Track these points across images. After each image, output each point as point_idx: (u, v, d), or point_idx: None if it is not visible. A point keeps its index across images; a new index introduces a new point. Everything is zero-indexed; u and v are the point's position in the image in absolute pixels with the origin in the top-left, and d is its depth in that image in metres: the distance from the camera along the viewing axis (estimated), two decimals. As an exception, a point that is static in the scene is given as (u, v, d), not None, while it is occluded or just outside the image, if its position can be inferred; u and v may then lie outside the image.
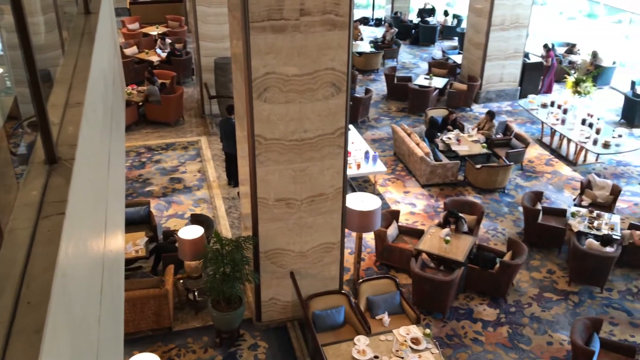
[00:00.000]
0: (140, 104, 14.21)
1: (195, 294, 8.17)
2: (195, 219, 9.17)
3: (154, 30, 19.65)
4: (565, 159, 13.11)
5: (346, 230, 7.82)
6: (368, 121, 15.01)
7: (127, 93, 14.01)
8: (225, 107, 11.62)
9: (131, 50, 17.39)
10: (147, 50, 17.53)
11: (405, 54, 20.44)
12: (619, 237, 9.15)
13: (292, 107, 6.71)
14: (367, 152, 11.19)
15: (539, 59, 16.80)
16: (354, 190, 11.03)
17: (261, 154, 6.87)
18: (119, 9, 21.78)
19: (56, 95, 3.10)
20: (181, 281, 8.33)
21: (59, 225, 2.07)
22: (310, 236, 7.51)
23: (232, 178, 11.32)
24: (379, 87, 17.26)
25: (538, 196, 10.42)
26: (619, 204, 10.96)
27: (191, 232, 7.80)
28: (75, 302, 2.13)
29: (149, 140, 13.57)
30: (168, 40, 17.85)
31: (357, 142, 11.90)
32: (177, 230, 8.18)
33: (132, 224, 9.22)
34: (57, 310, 1.80)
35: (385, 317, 7.56)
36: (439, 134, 12.84)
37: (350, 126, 12.10)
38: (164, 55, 17.11)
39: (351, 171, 10.63)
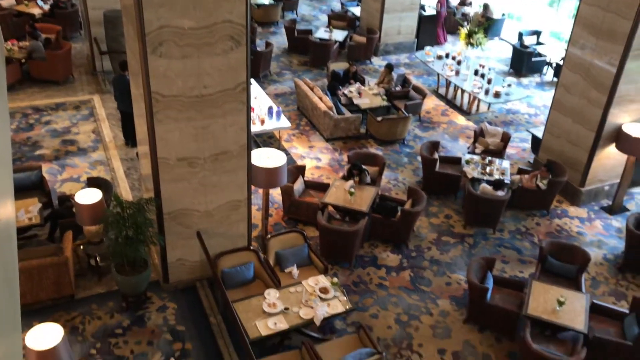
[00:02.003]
0: (23, 61, 13.14)
1: (97, 259, 7.88)
2: (93, 182, 8.74)
3: (33, -20, 18.06)
4: (459, 109, 13.70)
5: (252, 187, 7.78)
6: (270, 75, 14.83)
7: (7, 49, 12.90)
8: (118, 63, 11.02)
9: (8, 2, 15.95)
10: (27, 2, 16.14)
11: (305, 6, 20.23)
12: (509, 182, 9.79)
13: (190, 62, 6.47)
14: (270, 108, 11.10)
15: (434, 12, 17.23)
16: (258, 147, 10.95)
17: (159, 112, 6.61)
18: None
19: None
20: (81, 247, 7.99)
21: None
22: (216, 195, 7.41)
23: (130, 138, 10.85)
24: (280, 40, 17.03)
25: (435, 146, 10.87)
26: (509, 150, 11.68)
27: (89, 196, 7.45)
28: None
29: (35, 100, 12.64)
30: (50, -9, 16.50)
31: (259, 97, 11.75)
32: (73, 195, 7.77)
33: (23, 190, 8.63)
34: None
35: (294, 270, 7.69)
36: (340, 87, 12.95)
37: (252, 81, 11.90)
38: (46, 7, 15.85)
39: (255, 127, 10.53)
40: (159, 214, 7.25)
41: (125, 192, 9.70)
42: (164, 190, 7.10)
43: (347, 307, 7.09)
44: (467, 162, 10.29)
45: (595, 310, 7.41)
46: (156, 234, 7.26)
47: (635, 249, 8.65)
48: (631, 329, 7.09)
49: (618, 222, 9.96)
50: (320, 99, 12.16)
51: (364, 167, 9.63)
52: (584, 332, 6.90)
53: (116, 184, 9.85)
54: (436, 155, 10.56)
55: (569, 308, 7.16)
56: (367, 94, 12.71)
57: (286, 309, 6.90)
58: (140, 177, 9.77)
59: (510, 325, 7.48)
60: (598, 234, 9.69)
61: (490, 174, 9.93)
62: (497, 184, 9.42)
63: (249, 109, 7.11)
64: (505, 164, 10.32)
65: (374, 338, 6.97)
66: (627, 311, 7.46)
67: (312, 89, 12.56)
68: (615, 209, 10.20)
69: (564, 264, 8.16)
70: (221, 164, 7.23)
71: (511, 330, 7.53)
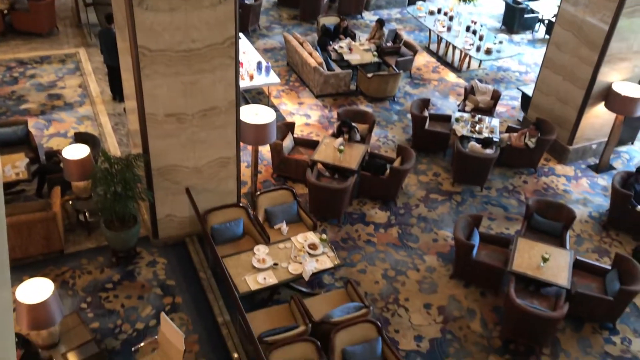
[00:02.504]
0: (5, 12, 12.78)
1: (86, 215, 7.88)
2: (80, 138, 8.65)
3: None
4: (450, 66, 13.60)
5: (241, 143, 7.75)
6: (259, 30, 14.57)
7: (-12, 0, 12.54)
8: (103, 15, 10.75)
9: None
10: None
11: (295, -42, 19.70)
12: (497, 140, 9.81)
13: (177, 15, 6.33)
14: (259, 63, 10.94)
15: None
16: (247, 103, 10.86)
17: (146, 67, 6.50)
18: None
19: None
20: (70, 203, 7.97)
21: None
22: (205, 151, 7.38)
23: (117, 93, 10.70)
24: (269, -7, 16.67)
25: (425, 103, 10.82)
26: (499, 108, 11.67)
27: (76, 152, 7.38)
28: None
29: (19, 53, 12.37)
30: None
31: (248, 52, 11.57)
32: (61, 150, 7.70)
33: (9, 145, 8.56)
34: None
35: (284, 226, 7.74)
36: (331, 42, 12.77)
37: (241, 35, 11.69)
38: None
39: (244, 83, 10.41)
40: (147, 169, 7.22)
41: (113, 147, 9.63)
42: (152, 146, 7.05)
43: (336, 263, 7.19)
44: (457, 120, 10.29)
45: (578, 267, 7.56)
46: (145, 190, 7.25)
47: (620, 207, 8.78)
48: (612, 284, 7.26)
49: (604, 181, 10.08)
50: (310, 54, 12.00)
51: (353, 124, 9.60)
52: (567, 288, 7.06)
53: (104, 140, 9.76)
54: (426, 113, 10.53)
55: (553, 264, 7.30)
56: (358, 50, 12.55)
57: (275, 264, 6.98)
58: (128, 132, 9.69)
59: (495, 280, 7.64)
60: (584, 192, 9.81)
61: (480, 132, 9.94)
62: (486, 142, 9.45)
63: (237, 64, 7.01)
64: (495, 122, 10.32)
65: (362, 293, 7.10)
66: (609, 267, 7.63)
67: (302, 44, 12.38)
68: (602, 167, 10.29)
69: (550, 221, 8.28)
70: (210, 120, 7.17)
71: (496, 286, 7.69)
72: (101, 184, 7.01)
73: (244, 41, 11.91)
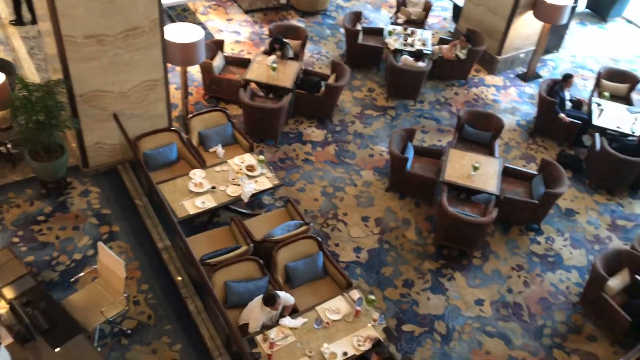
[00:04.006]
0: None
1: (8, 146, 7.47)
2: (-8, 65, 8.05)
3: None
4: (382, -23, 13.30)
5: (169, 64, 7.42)
6: (180, -59, 13.66)
7: None
8: None
9: None
10: None
11: None
12: (429, 52, 9.84)
13: None
14: (182, -23, 10.34)
15: None
16: (172, 21, 10.33)
17: (58, -16, 6.00)
18: None
19: None
20: (-12, 135, 7.52)
21: None
22: (129, 74, 7.03)
23: (19, 15, 9.91)
24: None
25: (357, 16, 10.62)
26: (430, 20, 11.62)
27: (-11, 80, 6.89)
28: None
29: None
30: None
31: (170, -34, 10.87)
32: (-28, 79, 7.16)
33: None
34: None
35: (219, 149, 7.63)
36: (257, -46, 12.16)
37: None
38: None
39: (166, 0, 9.86)
40: (70, 96, 6.84)
41: (31, 74, 9.02)
42: (73, 70, 6.65)
43: (274, 183, 7.20)
44: (390, 32, 10.19)
45: (507, 173, 7.90)
46: (70, 118, 6.90)
47: (546, 114, 9.12)
48: (538, 188, 7.66)
49: (531, 89, 10.38)
50: (237, -33, 11.43)
51: (285, 40, 9.35)
52: (496, 194, 7.40)
53: (19, 66, 9.12)
54: (359, 27, 10.37)
55: (483, 172, 7.60)
56: (286, -38, 12.03)
57: (213, 187, 6.92)
58: (45, 57, 9.07)
59: (429, 191, 7.90)
60: (512, 101, 10.10)
61: (412, 45, 9.92)
62: (418, 55, 9.45)
63: (158, -21, 6.58)
64: (427, 34, 10.30)
65: (301, 210, 7.20)
66: (535, 172, 8.02)
67: (227, -43, 11.74)
68: (529, 76, 10.57)
69: (480, 131, 8.53)
70: (133, 41, 6.78)
71: (429, 196, 7.96)
72: (21, 113, 6.61)
73: (164, -46, 11.17)
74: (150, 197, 7.37)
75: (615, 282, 6.60)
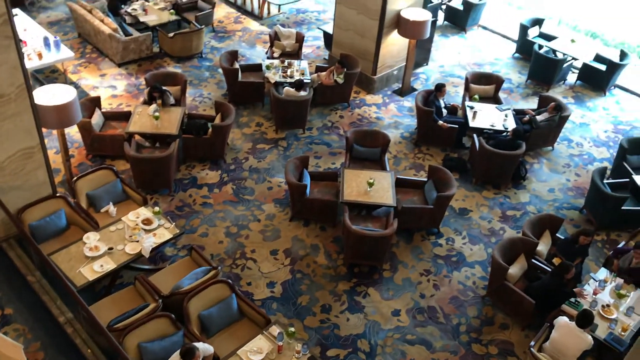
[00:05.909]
0: None
1: None
2: None
3: None
4: (251, 14, 13.55)
5: (44, 129, 7.07)
6: (38, 2, 13.18)
7: None
8: None
9: None
10: None
11: None
12: (309, 80, 10.10)
13: None
14: (46, 38, 9.94)
15: None
16: (42, 84, 9.88)
17: None
18: None
19: None
20: None
21: None
22: (1, 145, 6.61)
23: None
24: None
25: (234, 55, 10.72)
26: (305, 50, 11.96)
27: None
28: None
29: None
30: None
31: (30, 28, 10.44)
32: None
33: None
34: None
35: (111, 208, 7.33)
36: (122, 6, 11.98)
37: (16, 11, 10.54)
38: None
39: (32, 63, 9.44)
40: (-64, 178, 6.33)
41: None
42: None
43: (175, 233, 7.02)
44: (268, 67, 10.36)
45: (400, 184, 8.22)
46: (-62, 202, 6.36)
47: (425, 123, 9.61)
48: (430, 193, 8.02)
49: (409, 102, 10.92)
50: (102, 21, 11.17)
51: (164, 88, 9.23)
52: (394, 206, 7.67)
53: None
54: (237, 65, 10.46)
55: (378, 187, 7.85)
56: (153, 10, 11.95)
57: (110, 249, 6.63)
58: None
59: (331, 213, 8.03)
60: (394, 116, 10.56)
61: (291, 76, 10.14)
62: (299, 85, 9.68)
63: (18, 44, 6.28)
64: (304, 64, 10.58)
65: (207, 256, 7.06)
66: (425, 179, 8.40)
67: (90, 12, 11.46)
68: (405, 90, 11.13)
69: (369, 148, 8.84)
70: (0, 110, 6.41)
71: (333, 218, 8.10)
72: None
73: (22, 17, 10.72)
74: (43, 271, 6.90)
75: (515, 269, 7.02)
